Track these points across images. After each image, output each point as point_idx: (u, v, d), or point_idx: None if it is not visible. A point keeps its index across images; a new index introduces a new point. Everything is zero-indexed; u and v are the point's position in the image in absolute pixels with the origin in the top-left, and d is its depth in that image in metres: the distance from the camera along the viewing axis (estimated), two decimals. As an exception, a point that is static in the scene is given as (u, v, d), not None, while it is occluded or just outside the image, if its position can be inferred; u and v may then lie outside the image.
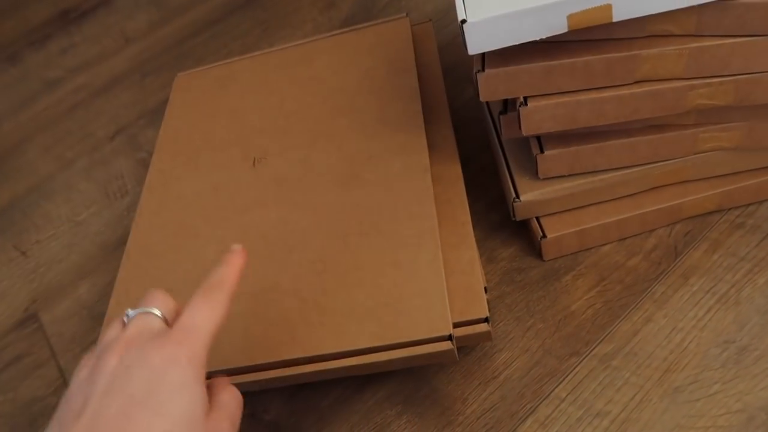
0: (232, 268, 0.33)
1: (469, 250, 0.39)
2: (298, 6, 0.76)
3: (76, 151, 0.69)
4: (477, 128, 0.54)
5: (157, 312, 0.30)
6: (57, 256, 0.58)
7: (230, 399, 0.30)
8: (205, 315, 0.30)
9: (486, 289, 0.38)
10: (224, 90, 0.57)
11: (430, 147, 0.45)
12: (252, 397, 0.43)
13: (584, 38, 0.36)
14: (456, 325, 0.36)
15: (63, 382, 0.47)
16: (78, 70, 0.82)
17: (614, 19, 0.34)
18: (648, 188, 0.43)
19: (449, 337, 0.34)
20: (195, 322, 0.29)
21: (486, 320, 0.36)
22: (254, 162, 0.48)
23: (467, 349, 0.41)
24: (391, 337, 0.35)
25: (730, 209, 0.43)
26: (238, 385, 0.32)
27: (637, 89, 0.37)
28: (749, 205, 0.43)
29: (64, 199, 0.63)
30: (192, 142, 0.53)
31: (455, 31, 0.64)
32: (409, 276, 0.37)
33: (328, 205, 0.43)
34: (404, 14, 0.56)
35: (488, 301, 0.37)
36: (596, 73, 0.37)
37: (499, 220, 0.47)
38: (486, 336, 0.36)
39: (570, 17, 0.34)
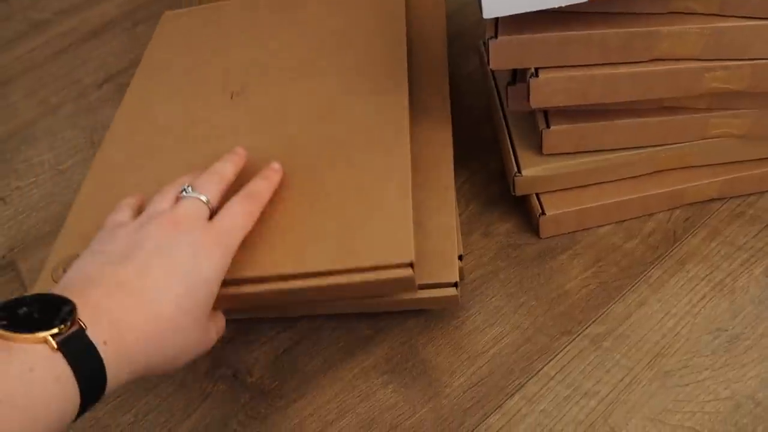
0: (270, 183, 0.37)
1: (447, 216, 0.39)
2: (301, -38, 0.74)
3: (61, 97, 0.66)
4: (480, 99, 0.53)
5: (206, 200, 0.34)
6: (37, 204, 0.56)
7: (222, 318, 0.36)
8: (240, 220, 0.34)
9: (461, 257, 0.38)
10: (210, 28, 0.56)
11: (423, 109, 0.44)
12: (235, 358, 0.42)
13: (603, 11, 0.35)
14: (424, 287, 0.36)
15: (40, 333, 0.46)
16: (66, 13, 0.78)
17: (637, -9, 0.33)
18: (651, 171, 0.42)
19: (410, 265, 0.33)
20: (233, 224, 0.34)
21: (455, 285, 0.35)
22: (232, 95, 0.47)
23: (458, 322, 0.40)
24: (352, 261, 0.34)
25: (731, 198, 0.43)
26: None
27: (653, 67, 0.36)
28: (750, 195, 0.42)
29: (48, 146, 0.61)
30: (172, 72, 0.52)
31: (465, -1, 0.62)
32: (376, 205, 0.36)
33: (302, 137, 0.42)
34: None
35: (462, 269, 0.37)
36: (613, 47, 0.35)
37: (497, 194, 0.46)
38: (453, 300, 0.36)
39: (592, -15, 0.33)
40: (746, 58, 0.35)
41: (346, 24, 0.50)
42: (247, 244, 0.36)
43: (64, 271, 0.39)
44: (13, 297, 0.28)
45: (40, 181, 0.58)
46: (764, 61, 0.35)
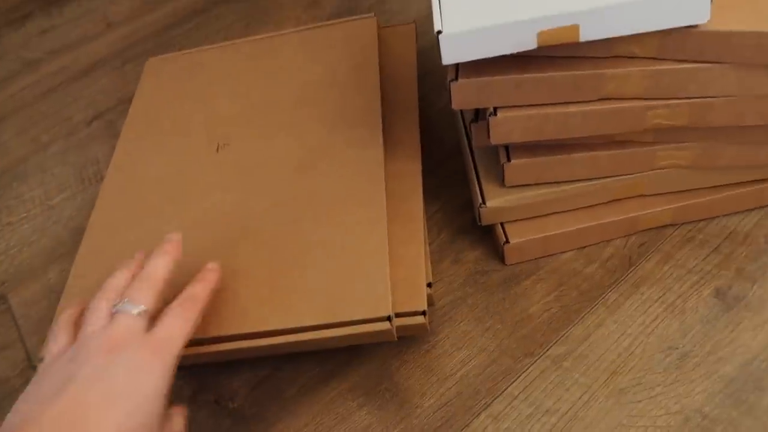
0: (207, 285, 0.37)
1: (417, 246, 0.41)
2: (282, 2, 0.77)
3: (51, 134, 0.69)
4: (452, 132, 0.56)
5: (142, 310, 0.34)
6: (28, 238, 0.58)
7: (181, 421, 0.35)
8: (179, 328, 0.34)
9: (430, 285, 0.40)
10: (194, 76, 0.59)
11: (394, 144, 0.47)
12: (217, 384, 0.44)
13: (554, 55, 0.38)
14: (395, 315, 0.38)
15: (29, 365, 0.48)
16: (57, 52, 0.81)
17: (581, 39, 0.36)
18: (607, 200, 0.45)
19: (388, 318, 0.37)
20: (171, 333, 0.34)
21: (423, 313, 0.38)
22: (218, 148, 0.50)
23: (428, 346, 0.43)
24: (335, 315, 0.37)
25: (683, 224, 0.45)
26: (192, 357, 0.36)
27: (600, 106, 0.39)
28: (701, 220, 0.45)
29: (38, 181, 0.63)
30: (159, 125, 0.55)
31: (435, 38, 0.66)
32: (356, 260, 0.39)
33: (285, 192, 0.45)
34: (371, 14, 0.58)
35: (431, 296, 0.40)
36: (563, 88, 0.39)
37: (467, 223, 0.49)
38: (422, 328, 0.38)
39: (539, 34, 0.36)
40: (684, 97, 0.38)
41: (322, 71, 0.54)
42: (233, 301, 0.39)
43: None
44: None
45: (30, 216, 0.60)
46: (701, 99, 0.38)
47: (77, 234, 0.57)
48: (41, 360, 0.40)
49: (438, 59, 0.67)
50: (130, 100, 0.69)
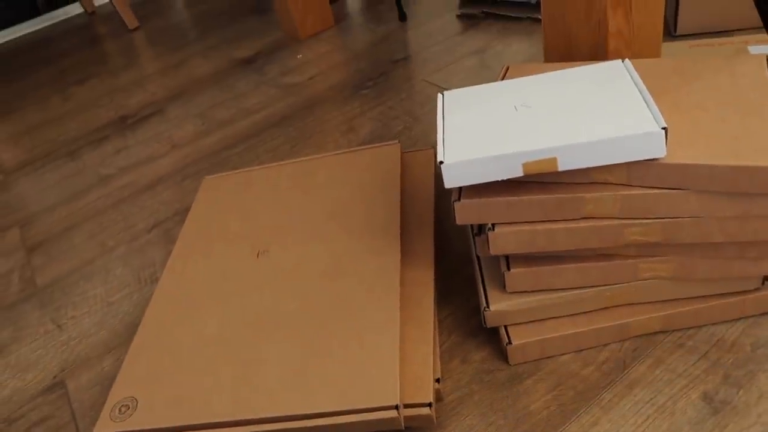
0: None
1: (426, 346, 0.47)
2: (324, 128, 0.89)
3: (116, 240, 0.78)
4: (465, 243, 0.62)
5: None
6: (88, 331, 0.65)
7: None
8: None
9: (438, 380, 0.45)
10: (242, 193, 0.68)
11: (411, 255, 0.54)
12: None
13: (540, 180, 0.45)
14: (403, 406, 0.42)
15: (78, 445, 0.53)
16: (128, 169, 0.94)
17: (560, 169, 0.43)
18: (600, 307, 0.49)
19: (396, 407, 0.41)
20: None
21: (429, 405, 0.42)
22: (258, 254, 0.58)
23: (436, 439, 0.46)
24: (349, 402, 0.43)
25: (674, 330, 0.49)
26: None
27: (583, 224, 0.45)
28: (690, 328, 0.49)
29: (102, 281, 0.72)
30: (210, 234, 0.64)
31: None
32: (370, 355, 0.45)
33: (312, 293, 0.52)
34: (396, 141, 0.67)
35: (439, 391, 0.44)
36: (549, 208, 0.45)
37: (475, 326, 0.54)
38: (428, 419, 0.42)
39: (524, 165, 0.43)
40: (654, 217, 0.44)
41: (351, 189, 0.62)
42: (263, 385, 0.45)
43: (120, 411, 0.48)
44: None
45: (92, 311, 0.68)
46: (670, 219, 0.44)
47: (132, 328, 0.64)
48: None
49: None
50: (186, 211, 0.80)
